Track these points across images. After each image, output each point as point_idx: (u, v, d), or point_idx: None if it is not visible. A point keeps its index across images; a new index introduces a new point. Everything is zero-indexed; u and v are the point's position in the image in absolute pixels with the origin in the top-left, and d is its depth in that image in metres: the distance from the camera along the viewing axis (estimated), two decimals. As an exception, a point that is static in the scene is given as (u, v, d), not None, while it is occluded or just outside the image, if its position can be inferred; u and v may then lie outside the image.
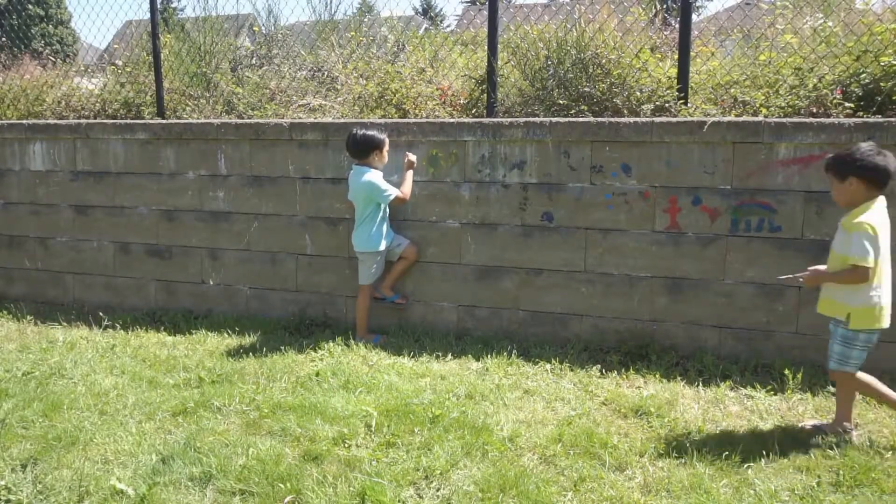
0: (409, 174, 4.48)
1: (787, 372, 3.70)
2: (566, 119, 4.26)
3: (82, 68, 7.39)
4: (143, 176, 5.29)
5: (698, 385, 3.73)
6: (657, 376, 3.84)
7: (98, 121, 5.57)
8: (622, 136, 4.07)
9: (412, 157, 4.48)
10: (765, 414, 3.38)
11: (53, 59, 7.38)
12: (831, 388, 3.59)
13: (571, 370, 3.96)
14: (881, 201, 3.01)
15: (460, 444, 3.05)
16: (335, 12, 6.68)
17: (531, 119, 4.32)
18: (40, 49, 7.64)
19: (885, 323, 3.01)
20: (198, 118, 5.50)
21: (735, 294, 4.02)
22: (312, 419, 3.33)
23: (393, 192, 4.39)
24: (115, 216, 5.42)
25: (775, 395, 3.60)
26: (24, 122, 5.69)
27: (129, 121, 5.53)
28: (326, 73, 5.80)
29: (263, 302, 5.09)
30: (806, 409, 3.42)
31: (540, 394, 3.60)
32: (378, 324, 4.72)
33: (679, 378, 3.82)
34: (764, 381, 3.75)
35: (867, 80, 3.96)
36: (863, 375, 3.10)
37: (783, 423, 3.27)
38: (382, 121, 4.71)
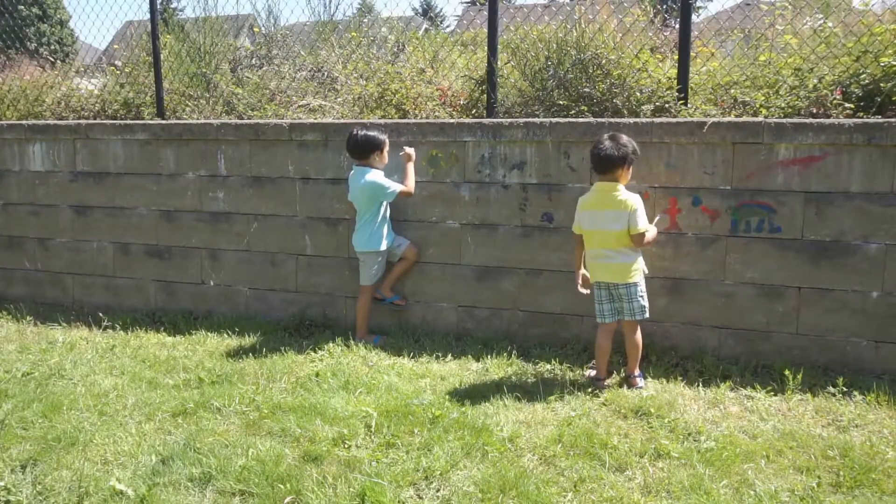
0: (410, 167, 4.47)
1: (787, 373, 3.70)
2: (566, 119, 4.26)
3: (82, 69, 7.39)
4: (143, 176, 5.29)
5: (698, 386, 3.73)
6: (657, 377, 3.84)
7: (98, 121, 5.57)
8: (622, 136, 4.07)
9: (409, 150, 4.47)
10: (765, 414, 3.38)
11: (52, 60, 7.38)
12: (831, 389, 3.59)
13: (571, 371, 3.96)
14: (595, 185, 3.74)
15: (460, 445, 3.05)
16: (335, 13, 6.69)
17: (531, 119, 4.32)
18: (38, 49, 7.63)
19: (593, 277, 3.78)
20: (197, 119, 5.50)
21: (735, 295, 4.02)
22: (312, 420, 3.33)
23: (397, 188, 4.39)
24: (115, 217, 5.42)
25: (775, 395, 3.60)
26: (24, 122, 5.69)
27: (128, 121, 5.53)
28: (326, 73, 5.81)
29: (263, 303, 5.09)
30: (806, 410, 3.42)
31: (540, 394, 3.60)
32: (378, 324, 4.72)
33: (679, 379, 3.82)
34: (764, 381, 3.75)
35: (867, 81, 3.96)
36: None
37: (783, 423, 3.27)
38: (382, 121, 4.71)
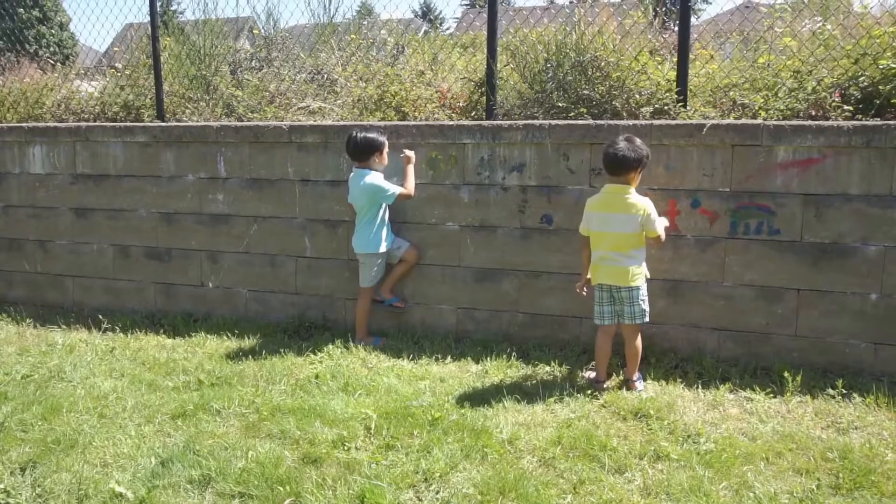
0: (411, 170, 4.47)
1: (786, 374, 3.70)
2: (565, 121, 4.27)
3: (82, 71, 7.39)
4: (143, 179, 5.29)
5: (697, 387, 3.73)
6: (656, 378, 3.85)
7: (98, 123, 5.57)
8: (621, 138, 4.07)
9: (409, 153, 4.48)
10: (764, 416, 3.38)
11: (52, 62, 7.38)
12: (831, 391, 3.59)
13: (571, 373, 3.96)
14: (605, 187, 3.71)
15: (459, 447, 3.05)
16: (334, 15, 6.69)
17: (530, 121, 4.32)
18: (38, 52, 7.64)
19: (595, 279, 3.76)
20: (197, 121, 5.51)
21: (734, 296, 4.02)
22: (312, 422, 3.33)
23: (396, 190, 4.40)
24: (115, 219, 5.42)
25: (774, 397, 3.60)
26: (24, 124, 5.69)
27: (128, 123, 5.53)
28: (326, 75, 5.81)
29: (263, 304, 5.09)
30: (805, 412, 3.42)
31: (539, 396, 3.60)
32: (378, 326, 4.72)
33: (678, 380, 3.82)
34: (763, 383, 3.75)
35: (865, 84, 3.97)
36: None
37: (783, 425, 3.27)
38: (382, 123, 4.71)
